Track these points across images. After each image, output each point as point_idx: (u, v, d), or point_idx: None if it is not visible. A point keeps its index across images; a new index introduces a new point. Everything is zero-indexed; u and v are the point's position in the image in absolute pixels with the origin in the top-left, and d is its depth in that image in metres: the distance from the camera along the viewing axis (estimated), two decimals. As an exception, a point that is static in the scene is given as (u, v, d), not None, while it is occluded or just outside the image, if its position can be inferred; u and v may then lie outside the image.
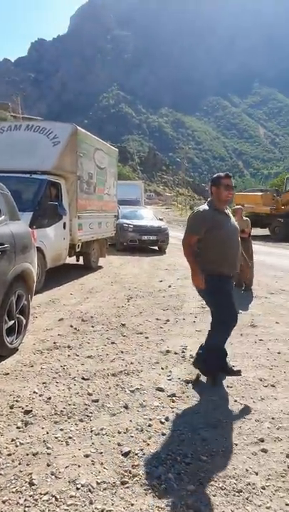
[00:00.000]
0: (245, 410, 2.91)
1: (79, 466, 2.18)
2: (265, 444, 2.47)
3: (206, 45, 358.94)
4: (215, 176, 3.48)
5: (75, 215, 7.79)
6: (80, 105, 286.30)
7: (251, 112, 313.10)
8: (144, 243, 12.78)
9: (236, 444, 2.46)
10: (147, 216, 14.42)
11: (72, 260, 9.20)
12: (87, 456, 2.27)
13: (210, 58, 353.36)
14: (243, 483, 2.11)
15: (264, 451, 2.41)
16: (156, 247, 13.48)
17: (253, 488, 2.08)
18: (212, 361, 3.42)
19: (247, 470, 2.22)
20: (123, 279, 8.15)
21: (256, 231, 17.26)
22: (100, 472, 2.14)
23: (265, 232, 20.00)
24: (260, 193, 20.94)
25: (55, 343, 4.19)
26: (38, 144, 7.42)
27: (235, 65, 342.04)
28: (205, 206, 3.39)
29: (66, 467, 2.17)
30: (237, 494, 2.03)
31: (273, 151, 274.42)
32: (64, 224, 7.50)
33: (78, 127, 7.82)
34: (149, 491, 2.02)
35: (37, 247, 6.50)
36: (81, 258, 9.30)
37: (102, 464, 2.21)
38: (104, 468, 2.18)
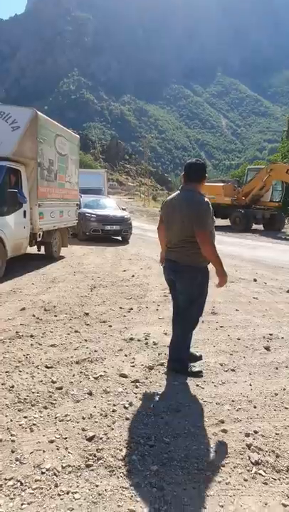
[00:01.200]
0: (207, 394, 3.02)
1: (44, 452, 2.19)
2: (225, 425, 2.59)
3: (168, 29, 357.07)
4: (203, 163, 3.27)
5: (36, 203, 7.62)
6: (40, 90, 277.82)
7: (214, 102, 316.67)
8: (107, 233, 12.71)
9: (198, 426, 2.56)
10: (110, 206, 14.34)
11: (33, 250, 9.04)
12: (51, 441, 2.28)
13: (172, 43, 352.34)
14: (204, 462, 2.21)
15: (224, 431, 2.52)
16: (119, 237, 13.45)
17: (213, 466, 2.18)
18: (186, 355, 3.41)
19: (208, 450, 2.32)
20: (86, 268, 8.10)
21: (217, 222, 17.63)
22: (64, 457, 2.16)
23: (226, 222, 20.49)
24: (222, 184, 21.38)
25: (17, 332, 4.13)
26: (-4, 128, 7.15)
27: (198, 52, 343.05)
28: (203, 197, 3.13)
29: (31, 453, 2.17)
30: (198, 472, 2.12)
31: (235, 142, 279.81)
32: (24, 212, 7.33)
33: (39, 112, 7.60)
34: (114, 472, 2.07)
35: (-4, 236, 6.40)
36: (43, 248, 9.13)
37: (66, 448, 2.23)
38: (69, 452, 2.20)
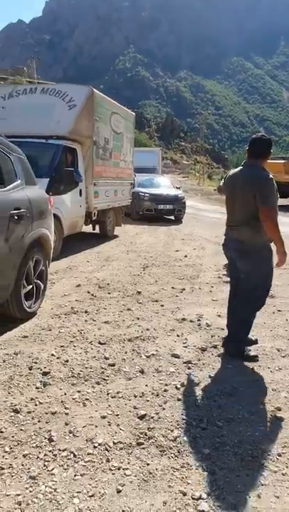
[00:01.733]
0: (262, 379, 2.90)
1: (96, 427, 2.22)
2: (281, 413, 2.47)
3: (227, 1, 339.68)
4: (268, 139, 3.13)
5: (91, 181, 7.68)
6: (96, 69, 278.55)
7: (275, 74, 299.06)
8: (160, 212, 12.61)
9: (252, 412, 2.47)
10: (164, 184, 14.17)
11: (88, 229, 9.21)
12: (103, 417, 2.31)
13: (232, 15, 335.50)
14: (258, 449, 2.12)
15: (280, 419, 2.41)
16: (172, 217, 13.31)
17: (269, 455, 2.09)
18: (244, 338, 3.28)
19: (263, 437, 2.23)
20: (139, 248, 8.11)
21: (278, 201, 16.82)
22: (116, 433, 2.18)
23: (286, 201, 19.52)
24: (283, 161, 20.28)
25: (72, 308, 4.23)
26: (54, 107, 7.22)
27: (258, 22, 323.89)
28: (267, 173, 3.00)
29: (84, 427, 2.21)
30: (252, 460, 2.04)
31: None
32: (80, 191, 7.42)
33: (95, 89, 7.57)
34: (165, 452, 2.05)
35: (54, 214, 6.55)
36: (97, 227, 9.26)
37: (118, 425, 2.25)
38: (121, 429, 2.21)
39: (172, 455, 2.04)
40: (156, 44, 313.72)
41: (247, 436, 2.22)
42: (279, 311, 4.52)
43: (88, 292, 4.82)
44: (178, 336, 3.66)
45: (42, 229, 3.95)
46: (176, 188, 14.54)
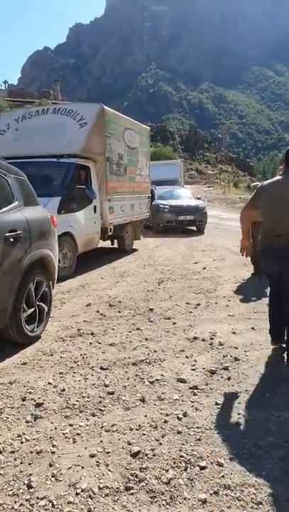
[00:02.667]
0: (276, 406, 2.62)
1: (82, 468, 2.02)
2: (294, 447, 2.19)
3: (245, 12, 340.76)
4: None
5: (106, 198, 7.61)
6: (119, 88, 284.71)
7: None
8: (181, 224, 12.41)
9: (260, 447, 2.19)
10: (184, 195, 13.99)
11: (106, 244, 9.13)
12: (92, 456, 2.10)
13: (251, 26, 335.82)
14: (264, 493, 1.85)
15: (292, 455, 2.12)
16: (194, 228, 13.06)
17: (276, 500, 1.81)
18: None
19: (270, 478, 1.95)
20: (156, 261, 7.92)
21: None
22: (103, 475, 1.96)
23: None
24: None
25: (79, 329, 4.07)
26: (65, 126, 7.25)
27: (278, 31, 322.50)
28: None
29: (69, 468, 2.01)
30: (256, 507, 1.77)
31: None
32: (94, 208, 7.36)
33: (105, 107, 7.55)
34: (155, 499, 1.82)
35: (67, 232, 6.51)
36: (116, 241, 9.16)
37: (107, 465, 2.04)
38: (110, 470, 2.00)
39: (163, 502, 1.80)
40: (177, 60, 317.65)
41: (251, 477, 1.96)
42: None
43: (98, 312, 4.66)
44: (187, 357, 3.42)
45: (44, 249, 3.85)
46: (198, 198, 14.32)
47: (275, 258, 3.23)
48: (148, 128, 10.51)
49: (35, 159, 6.77)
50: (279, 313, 3.38)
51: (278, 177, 3.31)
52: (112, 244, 9.30)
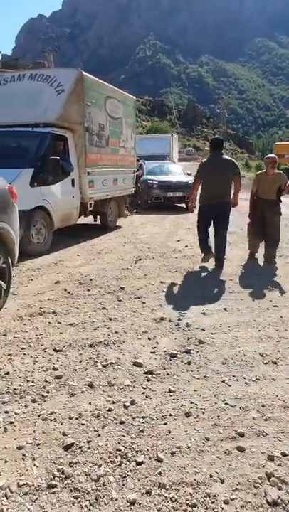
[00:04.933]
0: (232, 394, 2.43)
1: (5, 462, 1.83)
2: (244, 441, 2.01)
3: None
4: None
5: (85, 170, 7.26)
6: (116, 59, 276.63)
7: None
8: (169, 200, 12.07)
9: (207, 439, 2.01)
10: (175, 171, 13.58)
11: (89, 220, 8.84)
12: (20, 448, 1.91)
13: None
14: (201, 493, 1.67)
15: (240, 449, 1.94)
16: (183, 205, 12.73)
17: (212, 502, 1.63)
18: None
19: (211, 476, 1.77)
20: (138, 239, 7.67)
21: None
22: (27, 470, 1.78)
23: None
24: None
25: (41, 308, 3.86)
26: (42, 93, 6.83)
27: (282, 1, 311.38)
28: None
29: (-10, 462, 1.82)
30: (189, 510, 1.60)
31: None
32: (72, 181, 7.03)
33: (84, 72, 7.11)
34: (79, 499, 1.64)
35: (41, 206, 6.22)
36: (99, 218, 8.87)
37: (34, 459, 1.85)
38: (35, 465, 1.81)
39: (87, 503, 1.62)
40: (176, 30, 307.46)
41: (191, 474, 1.78)
42: (275, 306, 4.00)
43: (65, 290, 4.43)
44: (149, 339, 3.23)
45: (0, 223, 3.58)
46: (188, 174, 13.93)
47: (209, 208, 5.33)
48: (133, 97, 9.98)
49: (7, 128, 6.40)
50: (205, 236, 5.55)
51: (210, 157, 5.44)
52: (95, 220, 9.02)
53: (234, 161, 5.39)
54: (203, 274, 5.25)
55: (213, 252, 5.45)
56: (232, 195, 5.31)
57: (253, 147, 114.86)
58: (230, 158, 5.41)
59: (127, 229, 8.96)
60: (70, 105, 6.87)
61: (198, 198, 5.74)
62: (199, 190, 5.52)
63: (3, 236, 3.66)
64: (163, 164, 13.94)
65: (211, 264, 5.63)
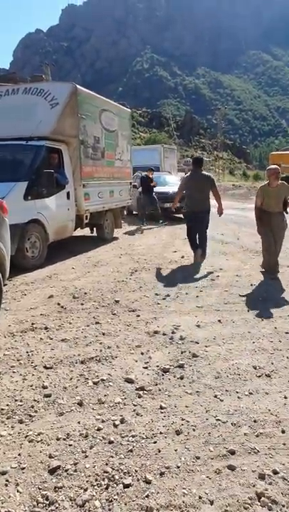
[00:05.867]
0: (224, 409, 2.38)
1: (-12, 488, 1.77)
2: (234, 458, 1.95)
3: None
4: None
5: (80, 183, 7.27)
6: (114, 72, 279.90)
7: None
8: (166, 211, 12.06)
9: (198, 458, 1.96)
10: (171, 182, 13.62)
11: (86, 232, 8.83)
12: (3, 473, 1.86)
13: (248, 8, 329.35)
14: (189, 517, 1.62)
15: (231, 468, 1.89)
16: (181, 215, 12.71)
17: (201, 526, 1.58)
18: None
19: (200, 497, 1.72)
20: (135, 250, 7.64)
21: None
22: (9, 497, 1.72)
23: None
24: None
25: (33, 323, 3.81)
26: (36, 107, 6.88)
27: (276, 13, 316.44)
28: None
29: (-28, 489, 1.77)
30: (176, 535, 1.54)
31: None
32: (68, 193, 7.04)
33: (79, 86, 7.17)
34: (62, 526, 1.58)
35: (36, 220, 6.21)
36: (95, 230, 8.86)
37: (17, 484, 1.79)
38: (18, 491, 1.76)
39: (70, 530, 1.56)
40: (172, 43, 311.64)
41: (179, 496, 1.72)
42: (269, 317, 3.95)
43: (58, 304, 4.39)
44: (142, 353, 3.18)
45: (-10, 239, 3.56)
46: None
47: (193, 215, 6.45)
48: (128, 110, 10.07)
49: (2, 142, 6.42)
50: (194, 237, 6.49)
51: (192, 173, 6.53)
52: (92, 232, 9.01)
53: (211, 176, 6.67)
54: (199, 284, 5.20)
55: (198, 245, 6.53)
56: (211, 203, 6.47)
57: (251, 157, 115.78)
58: (208, 174, 6.67)
59: (124, 240, 8.95)
60: (64, 118, 6.91)
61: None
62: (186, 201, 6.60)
63: (-6, 251, 3.63)
64: (159, 175, 13.97)
65: (206, 274, 5.60)
